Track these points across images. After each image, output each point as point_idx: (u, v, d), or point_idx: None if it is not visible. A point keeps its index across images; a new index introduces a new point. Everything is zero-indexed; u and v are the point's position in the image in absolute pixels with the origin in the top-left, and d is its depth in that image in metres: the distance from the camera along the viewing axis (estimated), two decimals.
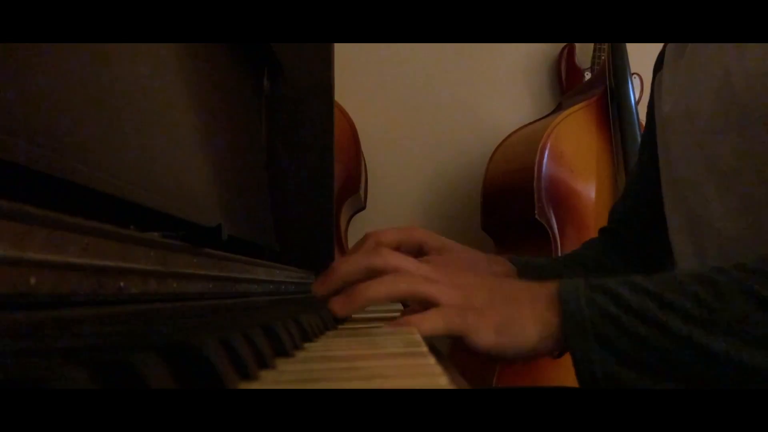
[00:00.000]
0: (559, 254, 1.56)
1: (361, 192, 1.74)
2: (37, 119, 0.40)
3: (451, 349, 1.67)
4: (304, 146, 1.16)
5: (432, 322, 0.52)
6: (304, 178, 1.16)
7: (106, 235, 0.40)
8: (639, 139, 1.59)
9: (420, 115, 1.97)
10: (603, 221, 0.97)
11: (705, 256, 0.68)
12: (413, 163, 1.96)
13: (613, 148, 1.70)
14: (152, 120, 0.60)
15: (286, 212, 1.12)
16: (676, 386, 0.48)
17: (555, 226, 1.60)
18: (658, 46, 0.86)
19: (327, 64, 1.17)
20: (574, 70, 2.00)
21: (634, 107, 1.71)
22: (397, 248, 0.71)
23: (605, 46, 1.84)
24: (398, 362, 0.35)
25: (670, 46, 0.78)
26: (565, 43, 2.01)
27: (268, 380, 0.28)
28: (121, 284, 0.41)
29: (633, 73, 1.75)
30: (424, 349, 0.38)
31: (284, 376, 0.29)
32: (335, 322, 0.59)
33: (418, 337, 0.46)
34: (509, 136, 1.80)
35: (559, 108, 1.85)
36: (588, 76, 1.95)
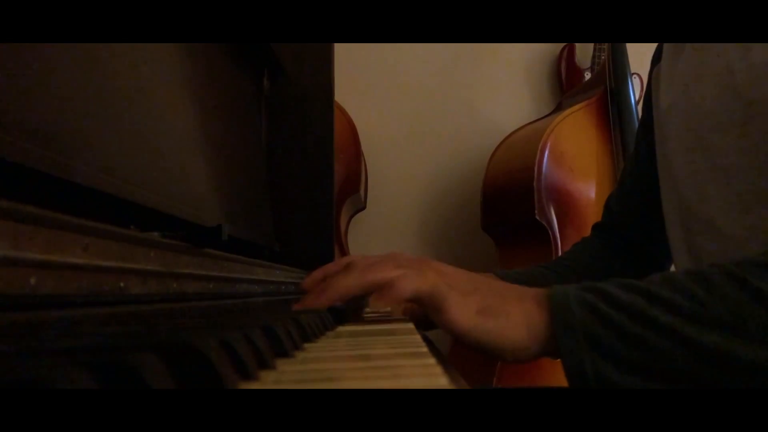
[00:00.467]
0: (559, 254, 1.56)
1: (361, 192, 1.74)
2: (37, 119, 0.40)
3: (451, 349, 1.67)
4: (304, 146, 1.16)
5: (413, 279, 0.50)
6: (304, 178, 1.16)
7: (106, 235, 0.40)
8: None
9: (420, 115, 1.97)
10: None
11: (702, 253, 0.68)
12: (413, 163, 1.96)
13: (613, 148, 1.70)
14: (152, 120, 0.60)
15: (286, 212, 1.12)
16: (666, 385, 0.46)
17: (555, 226, 1.60)
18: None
19: (327, 64, 1.17)
20: (574, 70, 2.00)
21: (634, 107, 1.71)
22: None
23: (605, 46, 1.84)
24: (398, 362, 0.35)
25: None
26: (565, 43, 2.01)
27: (268, 380, 0.28)
28: (121, 284, 0.41)
29: (633, 73, 1.75)
30: (424, 349, 0.38)
31: (284, 376, 0.29)
32: (335, 322, 0.59)
33: (418, 338, 0.46)
34: (509, 136, 1.80)
35: (559, 108, 1.85)
36: (588, 76, 1.95)
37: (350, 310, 0.66)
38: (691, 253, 0.70)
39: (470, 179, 1.92)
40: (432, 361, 0.32)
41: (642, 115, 0.89)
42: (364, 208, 1.80)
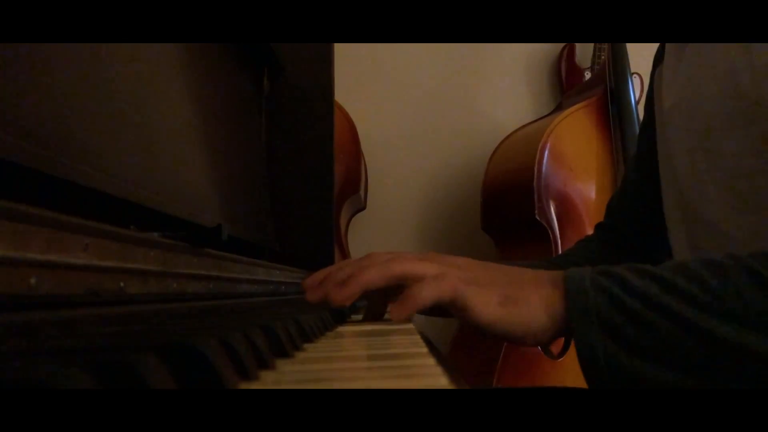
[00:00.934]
0: (560, 253, 1.56)
1: (361, 192, 1.74)
2: (37, 119, 0.40)
3: (451, 349, 1.67)
4: (304, 146, 1.16)
5: (431, 289, 0.50)
6: (304, 178, 1.16)
7: (106, 235, 0.40)
8: None
9: (420, 115, 1.97)
10: None
11: (704, 255, 0.68)
12: (413, 163, 1.96)
13: (613, 148, 1.70)
14: (152, 120, 0.60)
15: (286, 212, 1.12)
16: (677, 373, 0.47)
17: (555, 226, 1.60)
18: (658, 46, 0.85)
19: (327, 64, 1.17)
20: (574, 70, 2.00)
21: (634, 107, 1.71)
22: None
23: (605, 46, 1.84)
24: (398, 363, 0.35)
25: None
26: (565, 43, 2.01)
27: (268, 380, 0.28)
28: (121, 284, 0.41)
29: (633, 73, 1.75)
30: (425, 349, 0.38)
31: (284, 376, 0.29)
32: (335, 322, 0.59)
33: (418, 338, 0.46)
34: (509, 136, 1.80)
35: (559, 108, 1.85)
36: (588, 76, 1.95)
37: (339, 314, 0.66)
38: (694, 255, 0.70)
39: (470, 179, 1.92)
40: (432, 361, 0.32)
41: (644, 116, 0.89)
42: (364, 208, 1.80)
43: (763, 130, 0.59)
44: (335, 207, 1.28)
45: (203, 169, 0.74)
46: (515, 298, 0.50)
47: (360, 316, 0.72)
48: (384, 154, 1.93)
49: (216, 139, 0.81)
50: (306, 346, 0.41)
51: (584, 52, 2.00)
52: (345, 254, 1.66)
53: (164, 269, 0.48)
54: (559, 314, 0.50)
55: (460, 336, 1.65)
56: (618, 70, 1.72)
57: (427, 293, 0.50)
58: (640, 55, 1.68)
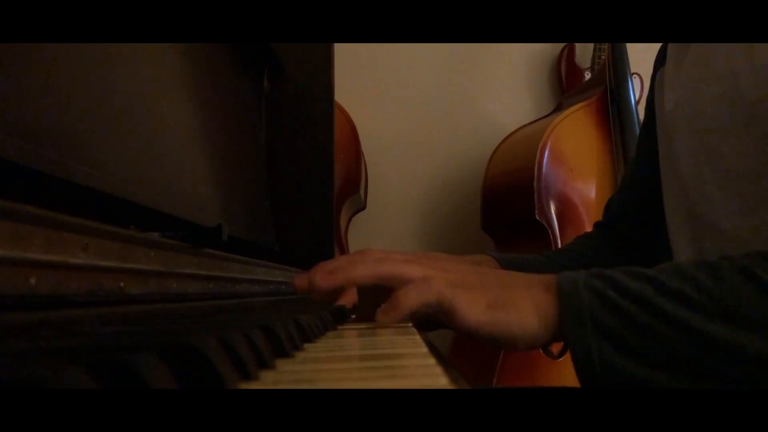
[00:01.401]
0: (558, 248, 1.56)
1: (361, 192, 1.74)
2: (37, 119, 0.40)
3: (451, 349, 1.67)
4: (304, 146, 1.16)
5: (419, 292, 0.50)
6: (304, 178, 1.16)
7: (106, 235, 0.40)
8: None
9: (420, 115, 1.97)
10: None
11: (707, 256, 0.68)
12: (413, 163, 1.96)
13: (613, 148, 1.70)
14: (152, 120, 0.60)
15: (286, 212, 1.12)
16: (672, 374, 0.46)
17: (555, 226, 1.60)
18: (658, 46, 0.85)
19: (327, 64, 1.17)
20: (574, 70, 2.00)
21: (634, 107, 1.71)
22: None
23: (605, 46, 1.84)
24: (398, 363, 0.35)
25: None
26: (565, 43, 2.01)
27: (268, 380, 0.28)
28: (121, 284, 0.41)
29: (633, 73, 1.75)
30: (425, 349, 0.38)
31: (284, 376, 0.29)
32: (335, 322, 0.59)
33: (418, 338, 0.46)
34: (509, 136, 1.80)
35: (559, 108, 1.85)
36: (588, 76, 1.95)
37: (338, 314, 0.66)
38: (697, 257, 0.70)
39: (470, 179, 1.92)
40: (432, 361, 0.32)
41: (644, 118, 0.90)
42: (364, 208, 1.80)
43: (763, 131, 0.59)
44: (335, 207, 1.28)
45: (203, 169, 0.74)
46: (504, 302, 0.50)
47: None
48: (384, 154, 1.93)
49: (216, 139, 0.81)
50: (306, 346, 0.41)
51: (584, 52, 2.00)
52: (345, 254, 1.66)
53: (164, 269, 0.48)
54: (552, 317, 0.49)
55: (460, 336, 1.65)
56: (618, 70, 1.72)
57: (414, 297, 0.50)
58: (640, 55, 1.68)
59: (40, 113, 0.41)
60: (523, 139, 1.73)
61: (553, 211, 1.61)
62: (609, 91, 1.72)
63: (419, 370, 0.31)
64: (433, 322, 0.62)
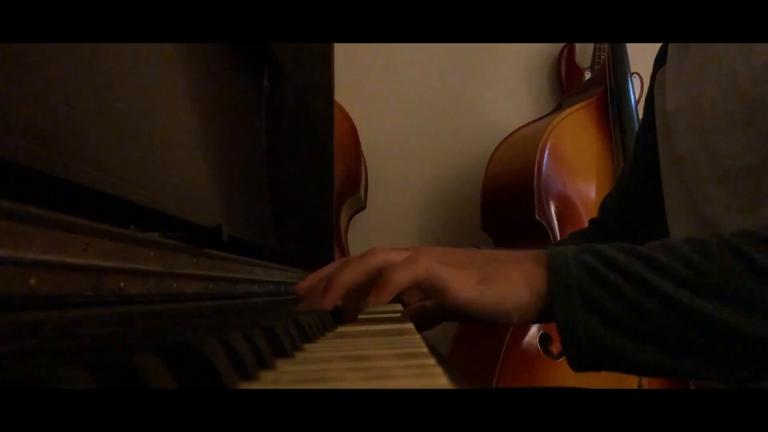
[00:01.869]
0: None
1: (361, 192, 1.74)
2: (37, 119, 0.40)
3: (451, 349, 1.67)
4: (304, 146, 1.16)
5: (407, 269, 0.50)
6: (304, 178, 1.16)
7: (106, 235, 0.40)
8: None
9: (420, 115, 1.97)
10: None
11: None
12: (413, 163, 1.96)
13: (613, 148, 1.70)
14: (152, 120, 0.60)
15: (286, 212, 1.12)
16: (657, 349, 0.46)
17: (555, 225, 1.60)
18: (658, 46, 0.86)
19: (327, 64, 1.17)
20: (574, 70, 2.00)
21: (634, 107, 1.71)
22: None
23: (605, 46, 1.84)
24: (398, 363, 0.35)
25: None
26: (565, 43, 2.01)
27: (268, 381, 0.28)
28: (121, 284, 0.41)
29: (633, 73, 1.75)
30: (425, 349, 0.38)
31: (284, 376, 0.29)
32: (335, 322, 0.59)
33: (418, 338, 0.46)
34: (509, 136, 1.80)
35: (559, 108, 1.85)
36: (588, 76, 1.95)
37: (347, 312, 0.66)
38: None
39: (470, 179, 1.92)
40: (432, 361, 0.32)
41: (642, 117, 0.90)
42: (364, 208, 1.80)
43: (762, 131, 0.60)
44: (335, 207, 1.28)
45: (203, 169, 0.74)
46: (494, 276, 0.50)
47: (363, 316, 0.72)
48: (384, 154, 1.93)
49: (216, 139, 0.81)
50: (306, 346, 0.41)
51: (584, 52, 2.00)
52: (345, 254, 1.66)
53: (164, 269, 0.48)
54: (542, 290, 0.49)
55: (461, 335, 1.65)
56: (618, 70, 1.73)
57: (402, 275, 0.50)
58: (640, 55, 1.68)
59: (40, 113, 0.41)
60: (523, 139, 1.73)
61: (553, 211, 1.61)
62: (609, 91, 1.72)
63: (419, 370, 0.31)
64: (431, 316, 0.62)
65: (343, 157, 1.62)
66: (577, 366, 0.50)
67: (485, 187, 1.78)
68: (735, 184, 0.63)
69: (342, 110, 1.65)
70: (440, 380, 0.26)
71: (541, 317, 0.50)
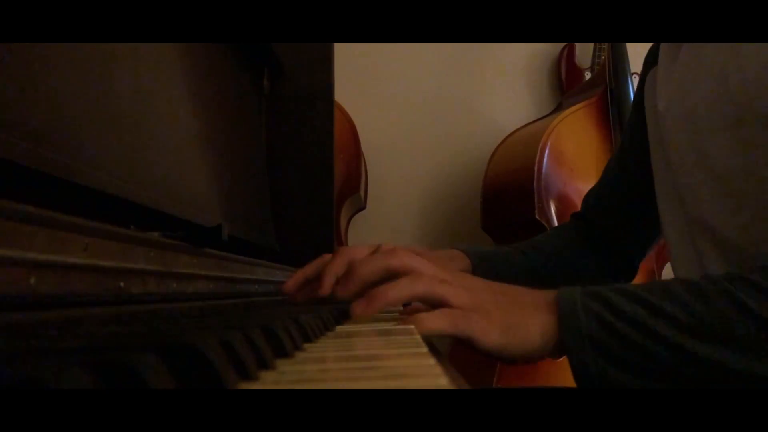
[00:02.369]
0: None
1: (361, 192, 1.74)
2: (38, 119, 0.40)
3: (451, 349, 1.67)
4: (304, 146, 1.16)
5: (440, 321, 0.54)
6: (304, 178, 1.16)
7: (106, 235, 0.40)
8: None
9: (420, 115, 1.97)
10: None
11: (701, 255, 0.68)
12: (413, 163, 1.96)
13: (613, 148, 1.70)
14: (152, 120, 0.60)
15: (286, 212, 1.12)
16: (664, 385, 0.52)
17: (555, 225, 1.60)
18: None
19: (327, 64, 1.17)
20: (574, 70, 2.00)
21: None
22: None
23: (605, 46, 1.84)
24: (398, 363, 0.35)
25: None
26: (565, 43, 2.01)
27: (268, 381, 0.28)
28: (121, 284, 0.41)
29: (633, 73, 1.75)
30: (425, 349, 0.38)
31: (284, 376, 0.29)
32: (335, 322, 0.59)
33: (418, 338, 0.46)
34: (509, 136, 1.80)
35: (559, 108, 1.85)
36: (588, 76, 1.95)
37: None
38: (692, 255, 0.71)
39: (470, 179, 1.92)
40: (432, 361, 0.32)
41: (630, 116, 0.91)
42: (364, 208, 1.80)
43: (750, 131, 0.60)
44: (335, 207, 1.28)
45: (203, 169, 0.74)
46: (516, 326, 0.55)
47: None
48: (384, 154, 1.93)
49: (216, 139, 0.81)
50: (306, 346, 0.41)
51: (584, 52, 2.00)
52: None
53: (164, 269, 0.48)
54: (552, 336, 0.54)
55: None
56: (618, 70, 1.72)
57: (436, 325, 0.54)
58: (640, 55, 1.66)
59: (40, 113, 0.41)
60: (523, 140, 1.73)
61: (553, 211, 1.61)
62: (609, 91, 1.72)
63: (419, 370, 0.31)
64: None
65: (343, 157, 1.62)
66: None
67: (485, 187, 1.78)
68: (724, 184, 0.64)
69: (342, 110, 1.65)
70: (440, 380, 0.26)
71: (559, 353, 0.55)
